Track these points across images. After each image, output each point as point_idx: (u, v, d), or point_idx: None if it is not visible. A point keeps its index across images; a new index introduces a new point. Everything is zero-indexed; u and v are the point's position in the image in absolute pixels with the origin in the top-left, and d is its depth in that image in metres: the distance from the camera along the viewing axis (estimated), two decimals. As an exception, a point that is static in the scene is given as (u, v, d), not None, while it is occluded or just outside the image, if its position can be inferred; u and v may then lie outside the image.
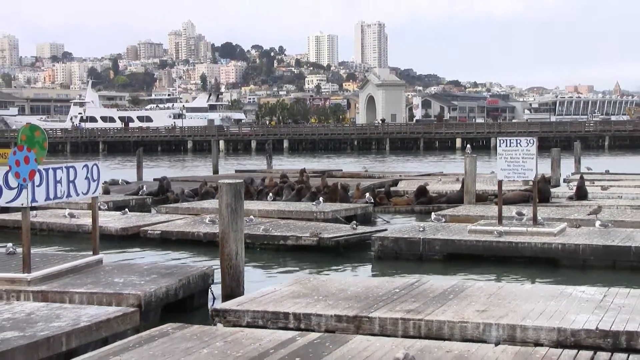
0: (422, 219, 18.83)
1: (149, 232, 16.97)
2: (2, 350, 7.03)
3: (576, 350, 7.01)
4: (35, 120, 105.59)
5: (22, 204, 10.10)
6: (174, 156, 74.25)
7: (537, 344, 7.84)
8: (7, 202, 10.25)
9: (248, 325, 8.79)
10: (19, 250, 11.16)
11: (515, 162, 15.35)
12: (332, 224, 17.39)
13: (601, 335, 7.77)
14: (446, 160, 58.20)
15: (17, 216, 17.43)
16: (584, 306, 8.75)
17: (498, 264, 13.91)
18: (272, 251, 15.53)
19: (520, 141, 15.52)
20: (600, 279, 12.58)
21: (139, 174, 33.68)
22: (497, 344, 7.88)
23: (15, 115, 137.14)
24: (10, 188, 10.04)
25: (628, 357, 6.84)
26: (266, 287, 10.54)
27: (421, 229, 15.32)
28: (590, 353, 6.92)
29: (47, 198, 10.50)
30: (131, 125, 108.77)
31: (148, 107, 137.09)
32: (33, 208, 10.63)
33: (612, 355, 6.90)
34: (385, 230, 16.58)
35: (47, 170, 10.42)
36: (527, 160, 15.26)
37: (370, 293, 9.67)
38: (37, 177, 10.14)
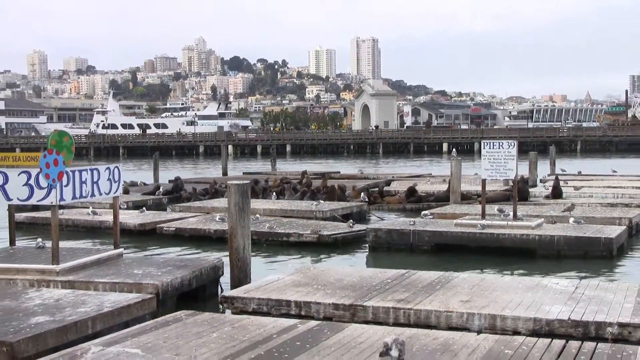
0: (412, 216, 18.82)
1: (164, 228, 16.98)
2: (36, 334, 7.07)
3: (550, 339, 7.01)
4: (61, 127, 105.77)
5: (52, 203, 10.13)
6: (187, 159, 74.21)
7: (515, 332, 7.85)
8: (38, 201, 10.28)
9: (254, 311, 8.81)
10: (48, 244, 11.19)
11: (497, 163, 15.37)
12: (331, 222, 17.40)
13: (573, 325, 7.78)
14: (434, 163, 58.16)
15: (45, 214, 17.49)
16: (558, 297, 8.76)
17: (481, 254, 13.96)
18: (276, 247, 15.55)
19: (502, 144, 15.56)
20: (573, 268, 12.62)
21: (155, 176, 33.64)
22: (479, 332, 7.90)
23: (44, 123, 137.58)
24: (41, 188, 10.08)
25: (596, 345, 6.83)
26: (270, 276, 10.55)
27: (412, 223, 15.36)
28: (562, 342, 6.92)
29: (74, 197, 10.54)
30: (148, 131, 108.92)
31: (163, 115, 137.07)
32: (60, 206, 10.65)
33: (582, 343, 6.89)
34: (379, 224, 16.59)
35: (73, 172, 10.46)
36: (508, 161, 15.29)
37: (365, 283, 9.69)
38: (64, 178, 10.18)
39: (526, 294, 8.93)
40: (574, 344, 6.84)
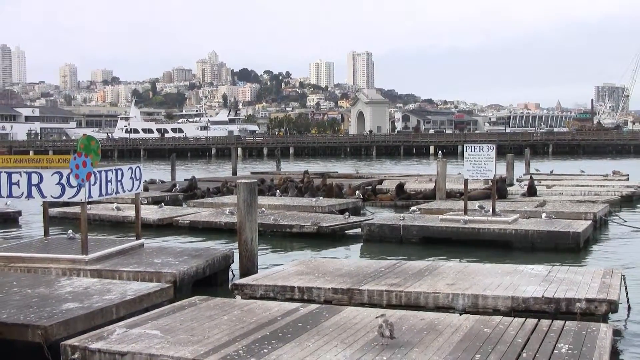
0: (402, 212, 18.83)
1: (180, 221, 16.99)
2: (67, 319, 7.08)
3: (524, 319, 7.06)
4: (89, 132, 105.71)
5: (81, 200, 10.16)
6: (200, 161, 74.15)
7: (495, 309, 7.92)
8: (69, 198, 10.32)
9: (261, 297, 8.82)
10: (78, 235, 11.20)
11: (478, 164, 15.39)
12: (329, 215, 17.40)
13: (546, 302, 7.87)
14: (422, 164, 58.14)
15: (75, 209, 17.49)
16: (533, 280, 8.82)
17: (463, 246, 13.95)
18: (280, 237, 15.55)
19: (482, 147, 15.57)
20: (546, 257, 12.62)
21: (172, 175, 33.66)
22: (462, 311, 7.93)
23: (74, 128, 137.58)
24: (71, 187, 10.11)
25: (565, 323, 6.89)
26: (276, 266, 10.56)
27: (401, 218, 15.34)
28: (535, 321, 6.97)
29: (100, 194, 10.55)
30: (166, 135, 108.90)
31: (180, 121, 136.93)
32: (88, 202, 10.66)
33: (552, 321, 6.96)
34: (372, 219, 16.59)
35: (100, 172, 10.48)
36: (487, 163, 15.30)
37: (361, 271, 9.70)
38: (92, 178, 10.19)
39: (505, 278, 9.00)
40: (545, 322, 6.93)
